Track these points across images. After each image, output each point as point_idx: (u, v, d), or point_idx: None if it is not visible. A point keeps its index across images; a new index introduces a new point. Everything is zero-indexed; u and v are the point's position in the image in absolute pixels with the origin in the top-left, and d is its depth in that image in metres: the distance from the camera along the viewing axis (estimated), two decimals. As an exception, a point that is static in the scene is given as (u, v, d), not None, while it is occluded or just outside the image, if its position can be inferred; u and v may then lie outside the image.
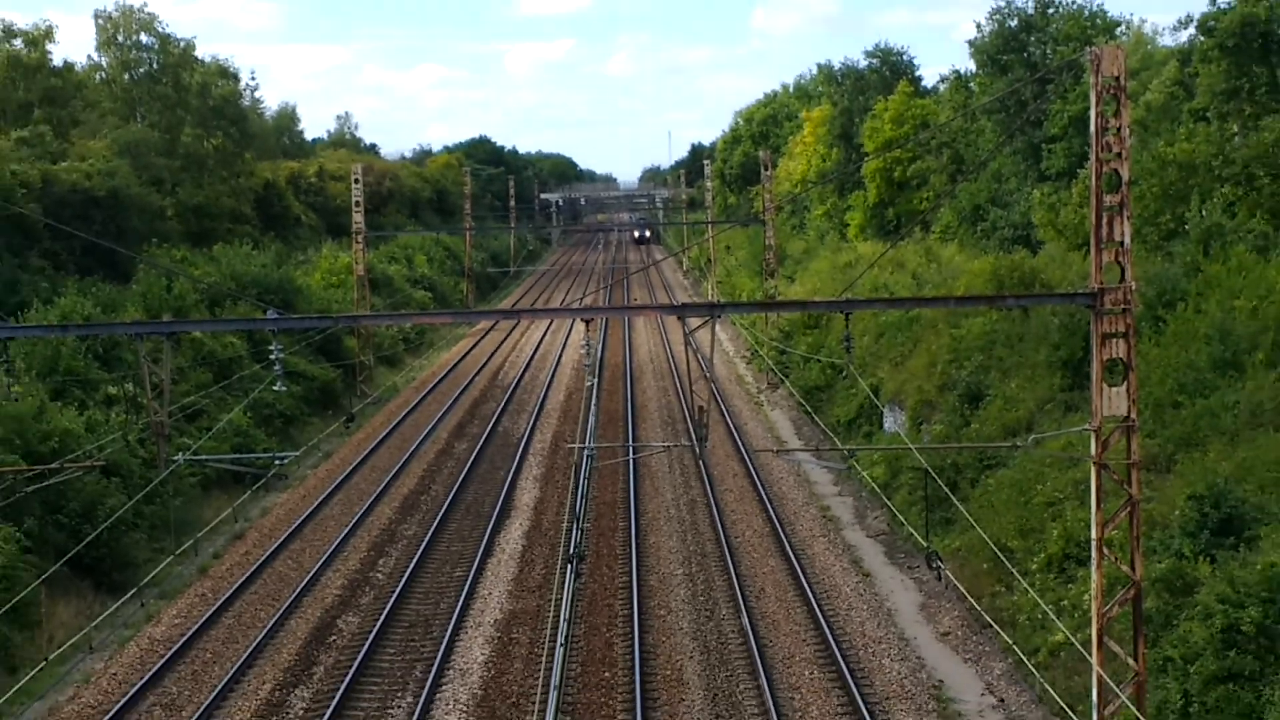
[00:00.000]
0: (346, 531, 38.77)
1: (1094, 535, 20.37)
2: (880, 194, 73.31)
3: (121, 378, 42.14)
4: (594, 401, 44.94)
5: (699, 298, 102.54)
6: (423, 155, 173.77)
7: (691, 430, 48.96)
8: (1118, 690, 19.99)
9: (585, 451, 39.47)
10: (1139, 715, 20.08)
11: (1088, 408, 21.46)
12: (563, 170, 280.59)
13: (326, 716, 25.40)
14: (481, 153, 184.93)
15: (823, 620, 29.86)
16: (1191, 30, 43.64)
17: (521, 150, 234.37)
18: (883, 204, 73.48)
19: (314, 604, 32.76)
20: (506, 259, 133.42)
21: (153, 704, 26.75)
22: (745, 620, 30.09)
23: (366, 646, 29.11)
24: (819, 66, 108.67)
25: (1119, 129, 18.91)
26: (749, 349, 72.24)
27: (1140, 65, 51.38)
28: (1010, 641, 26.67)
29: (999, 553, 27.40)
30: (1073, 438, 29.34)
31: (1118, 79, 18.83)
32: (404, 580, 33.93)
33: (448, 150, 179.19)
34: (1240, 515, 23.57)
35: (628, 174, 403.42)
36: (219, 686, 27.21)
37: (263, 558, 36.35)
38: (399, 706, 26.45)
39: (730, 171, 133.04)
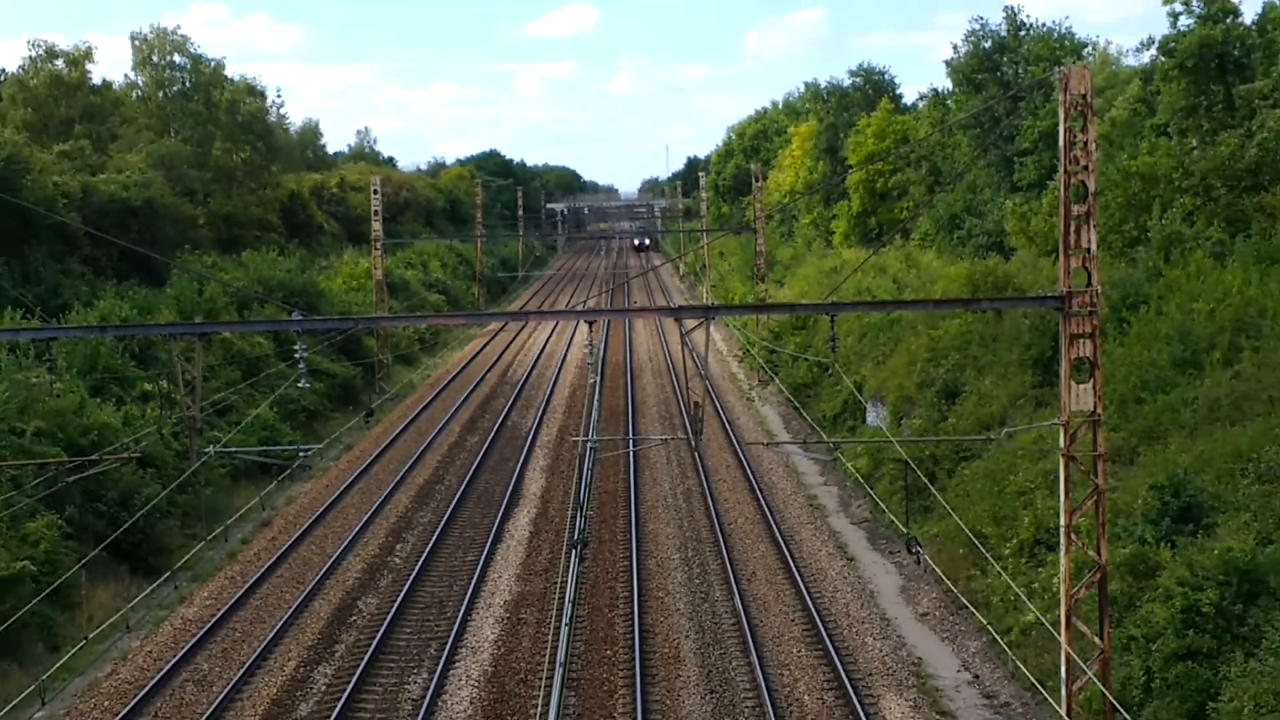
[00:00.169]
0: (366, 519, 38.74)
1: (1063, 522, 20.39)
2: (863, 204, 73.32)
3: (156, 375, 42.10)
4: (597, 397, 44.87)
5: (694, 301, 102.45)
6: (437, 168, 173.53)
7: (687, 424, 48.95)
8: (1085, 667, 20.01)
9: (588, 444, 39.41)
10: (1105, 690, 20.09)
11: (1057, 403, 21.45)
12: (567, 182, 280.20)
13: (348, 691, 25.37)
14: (492, 165, 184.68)
15: (810, 602, 29.84)
16: (1153, 51, 43.73)
17: (529, 163, 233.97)
18: (865, 213, 73.49)
19: (336, 586, 32.74)
20: (515, 264, 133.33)
21: (185, 680, 26.73)
22: (738, 601, 30.08)
23: (385, 626, 29.08)
24: (806, 85, 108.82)
25: (1086, 143, 18.92)
26: (741, 348, 72.18)
27: (1105, 84, 51.38)
28: (984, 621, 26.65)
29: (974, 539, 27.44)
30: (1043, 431, 29.31)
31: (1084, 97, 18.83)
32: (420, 564, 33.90)
33: (460, 163, 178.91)
34: (1199, 504, 23.57)
35: (628, 185, 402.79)
36: (247, 663, 27.18)
37: (288, 543, 36.31)
38: (415, 682, 26.43)
39: (723, 183, 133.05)
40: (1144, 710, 20.76)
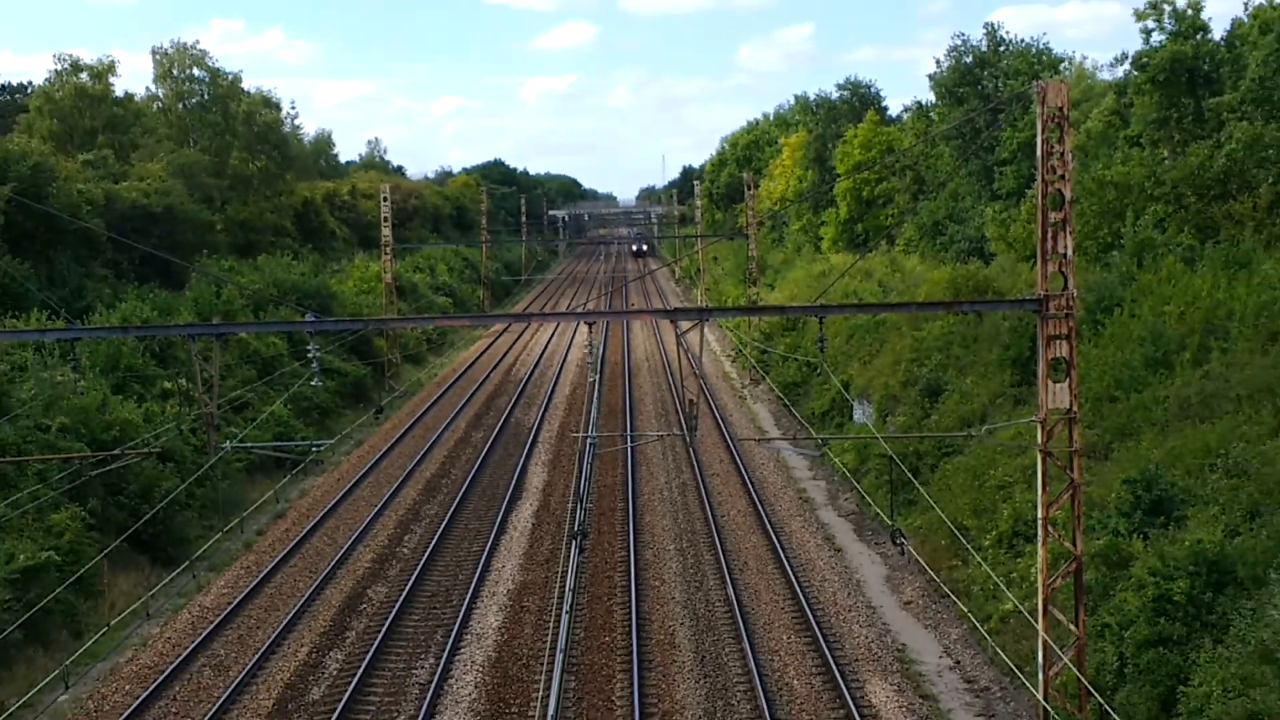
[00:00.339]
0: (376, 511, 38.68)
1: (1040, 515, 20.36)
2: (850, 211, 73.30)
3: (175, 374, 42.06)
4: (596, 395, 44.77)
5: (689, 303, 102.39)
6: (444, 176, 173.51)
7: (683, 421, 48.93)
8: (1060, 653, 19.98)
9: (588, 440, 39.36)
10: (1080, 675, 20.07)
11: (1034, 401, 21.43)
12: (568, 190, 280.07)
13: (358, 676, 25.33)
14: (496, 174, 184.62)
15: (799, 590, 29.81)
16: (1127, 66, 43.70)
17: (532, 171, 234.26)
18: (853, 220, 73.47)
19: (347, 576, 32.68)
20: (518, 268, 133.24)
21: (202, 665, 26.68)
22: (730, 590, 30.05)
23: (393, 613, 29.04)
24: (796, 98, 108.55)
25: (1062, 154, 18.89)
26: (734, 349, 72.13)
27: (1081, 97, 51.39)
28: (965, 610, 26.63)
29: (955, 530, 27.38)
30: (1021, 428, 29.33)
31: (1061, 109, 18.80)
32: (427, 554, 33.85)
33: (466, 172, 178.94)
34: (1170, 497, 23.55)
35: (626, 193, 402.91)
36: (262, 649, 27.14)
37: (301, 534, 36.26)
38: (422, 667, 26.39)
39: (717, 191, 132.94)
40: (1117, 694, 20.74)
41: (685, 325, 22.35)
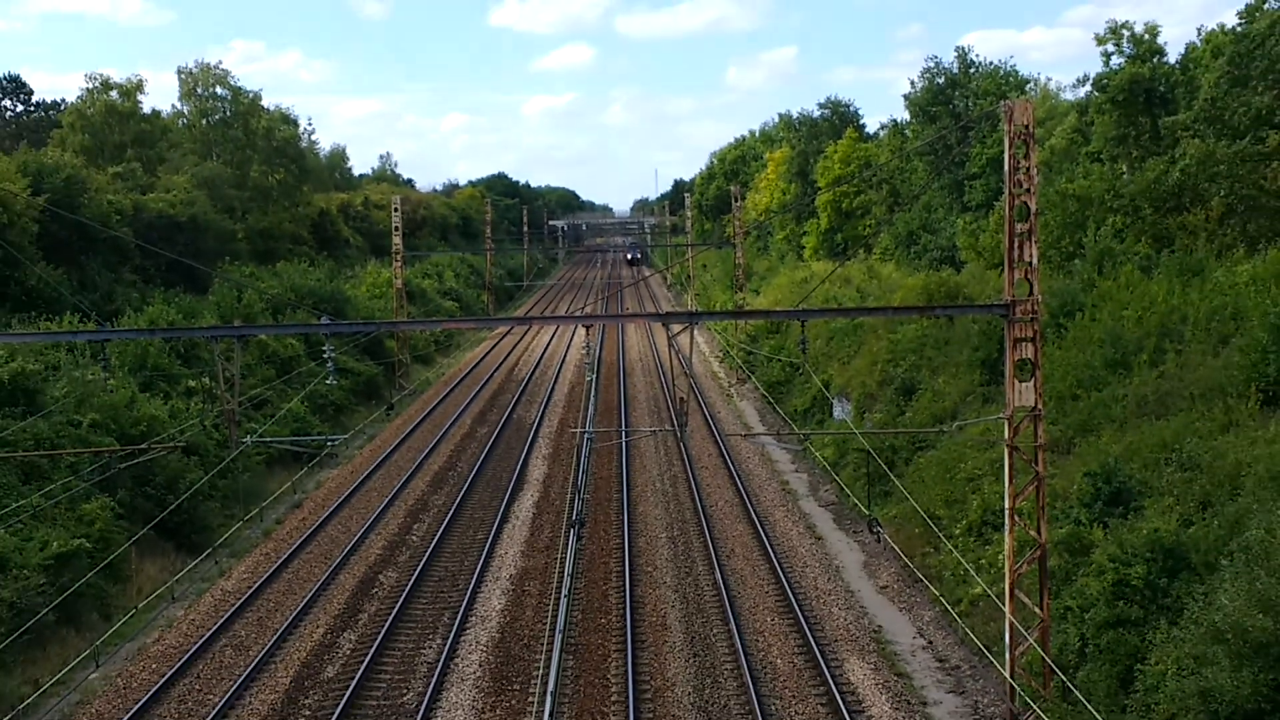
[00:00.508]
0: (387, 501, 38.66)
1: (1007, 505, 20.42)
2: (830, 221, 73.38)
3: (199, 373, 42.00)
4: (593, 394, 44.80)
5: (680, 307, 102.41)
6: (451, 188, 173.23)
7: (674, 417, 48.95)
8: (1026, 634, 20.03)
9: (585, 435, 39.37)
10: (1044, 654, 20.12)
11: (1002, 400, 21.48)
12: (567, 201, 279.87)
13: (370, 655, 25.32)
14: (500, 186, 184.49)
15: (782, 576, 29.84)
16: (1088, 87, 43.88)
17: (533, 184, 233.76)
18: (833, 230, 73.55)
19: (360, 562, 32.66)
20: (520, 275, 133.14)
21: (224, 645, 26.65)
22: (718, 575, 30.07)
23: (403, 597, 29.03)
24: (780, 116, 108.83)
25: (1028, 169, 18.94)
26: (722, 350, 72.18)
27: (1046, 115, 51.45)
28: (937, 593, 26.67)
29: (928, 520, 27.44)
30: (989, 424, 29.41)
31: (1027, 127, 18.86)
32: (435, 542, 33.83)
33: (472, 184, 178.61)
34: (1128, 489, 23.61)
35: (621, 204, 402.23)
36: (280, 630, 27.11)
37: (317, 523, 36.23)
38: (430, 646, 26.38)
39: (706, 203, 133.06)
40: (1079, 672, 20.78)
41: (676, 328, 22.36)
